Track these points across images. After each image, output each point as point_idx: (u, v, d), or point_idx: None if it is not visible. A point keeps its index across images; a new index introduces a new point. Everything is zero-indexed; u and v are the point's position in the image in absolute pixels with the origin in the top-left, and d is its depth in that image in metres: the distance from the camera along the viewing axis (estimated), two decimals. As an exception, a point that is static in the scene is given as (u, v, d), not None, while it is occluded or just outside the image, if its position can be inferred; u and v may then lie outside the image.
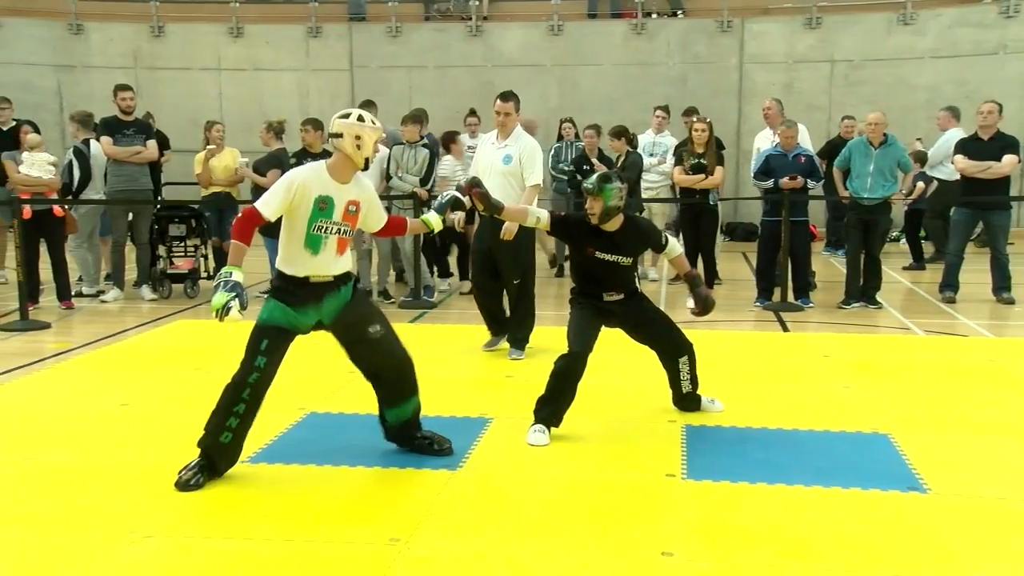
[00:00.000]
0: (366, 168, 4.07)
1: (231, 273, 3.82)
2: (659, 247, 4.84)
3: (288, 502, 3.77)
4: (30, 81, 14.89)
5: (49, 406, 5.20)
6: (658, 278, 9.96)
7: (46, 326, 7.56)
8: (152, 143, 8.87)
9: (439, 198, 4.57)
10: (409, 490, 3.95)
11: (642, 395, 5.16)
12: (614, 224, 4.61)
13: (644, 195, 9.55)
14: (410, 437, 4.33)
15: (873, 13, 14.43)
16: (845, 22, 14.50)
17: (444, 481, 4.03)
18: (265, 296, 4.22)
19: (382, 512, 3.70)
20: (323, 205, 3.93)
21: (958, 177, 9.09)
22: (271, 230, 4.10)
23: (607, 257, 4.63)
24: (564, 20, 15.02)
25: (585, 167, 8.84)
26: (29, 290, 7.79)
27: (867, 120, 8.50)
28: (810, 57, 14.47)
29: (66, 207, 8.45)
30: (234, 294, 3.76)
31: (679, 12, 15.13)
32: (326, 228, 3.96)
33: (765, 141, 9.56)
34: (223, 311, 3.74)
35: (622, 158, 8.97)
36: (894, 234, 11.70)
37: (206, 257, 9.28)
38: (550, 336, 6.11)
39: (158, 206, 9.24)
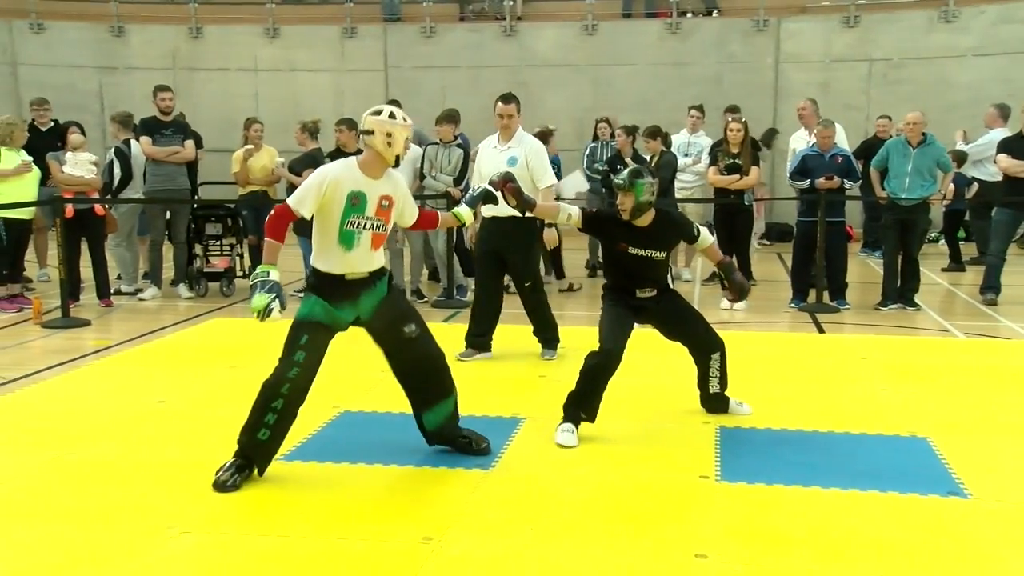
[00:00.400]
0: (397, 165, 4.07)
1: (268, 272, 3.83)
2: (691, 238, 4.80)
3: (322, 500, 3.79)
4: (73, 83, 15.16)
5: (89, 402, 5.28)
6: (692, 279, 9.90)
7: (86, 323, 7.68)
8: (190, 143, 8.98)
9: (470, 191, 4.58)
10: (442, 489, 3.96)
11: (675, 396, 5.13)
12: (646, 219, 4.59)
13: (678, 195, 9.50)
14: (451, 437, 4.33)
15: (913, 11, 14.22)
16: (884, 20, 14.31)
17: (477, 480, 4.03)
18: (301, 295, 4.25)
19: (415, 511, 3.71)
20: (355, 201, 3.94)
21: (999, 178, 8.94)
22: (305, 228, 4.12)
23: (640, 252, 4.61)
24: (598, 20, 14.98)
25: (619, 167, 8.81)
26: (70, 288, 7.92)
27: (906, 119, 8.39)
28: (848, 56, 14.29)
29: (107, 206, 8.58)
30: (274, 295, 3.78)
31: (714, 12, 15.02)
32: (359, 224, 3.97)
33: (800, 141, 9.48)
34: (265, 312, 3.76)
35: (656, 158, 8.93)
36: (933, 235, 11.54)
37: (241, 256, 9.37)
38: (583, 336, 6.08)
39: (195, 205, 9.35)
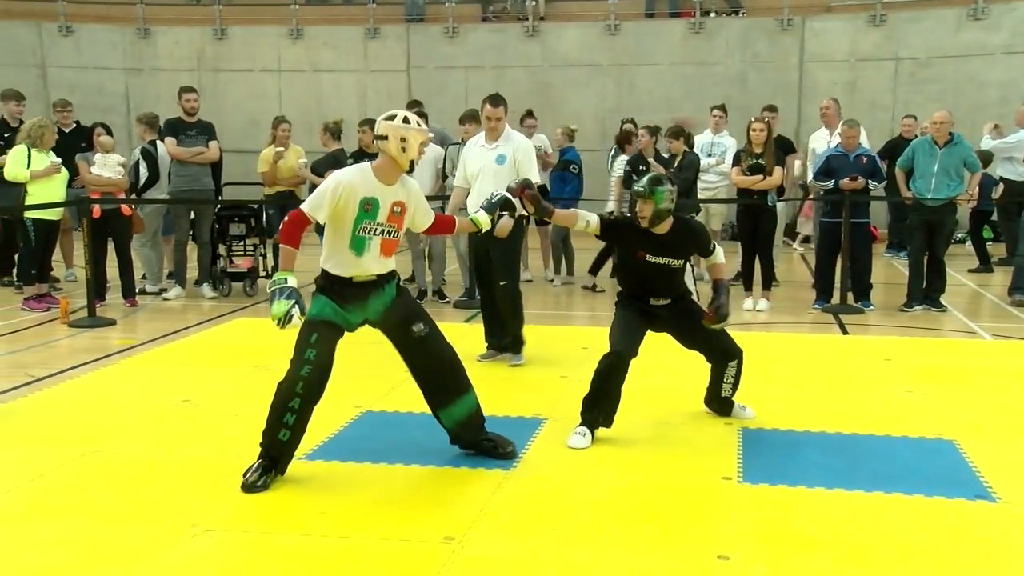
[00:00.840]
0: (411, 171, 4.06)
1: (286, 279, 3.84)
2: (706, 251, 4.75)
3: (344, 499, 3.81)
4: (101, 84, 15.36)
5: (114, 401, 5.33)
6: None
7: (112, 323, 7.75)
8: (214, 144, 9.04)
9: (489, 197, 4.56)
10: (464, 489, 3.97)
11: (697, 397, 5.10)
12: (664, 227, 4.56)
13: (701, 195, 9.45)
14: (474, 439, 4.31)
15: (942, 8, 14.07)
16: (912, 19, 14.17)
17: (498, 481, 4.03)
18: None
19: (437, 511, 3.72)
20: (368, 207, 3.94)
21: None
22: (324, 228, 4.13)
23: (657, 260, 4.58)
24: (621, 20, 14.94)
25: (641, 167, 8.77)
26: (96, 288, 8.00)
27: (932, 119, 8.31)
28: (874, 55, 14.17)
29: (133, 207, 8.66)
30: (293, 301, 3.78)
31: (740, 12, 14.94)
32: (371, 229, 3.97)
33: (821, 141, 9.42)
34: (285, 319, 3.77)
35: (679, 158, 8.89)
36: (959, 235, 11.41)
37: (264, 256, 9.42)
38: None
39: (219, 205, 9.42)
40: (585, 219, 4.68)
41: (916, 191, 8.19)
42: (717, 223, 9.74)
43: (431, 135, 8.65)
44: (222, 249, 9.27)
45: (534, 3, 15.10)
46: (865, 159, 8.24)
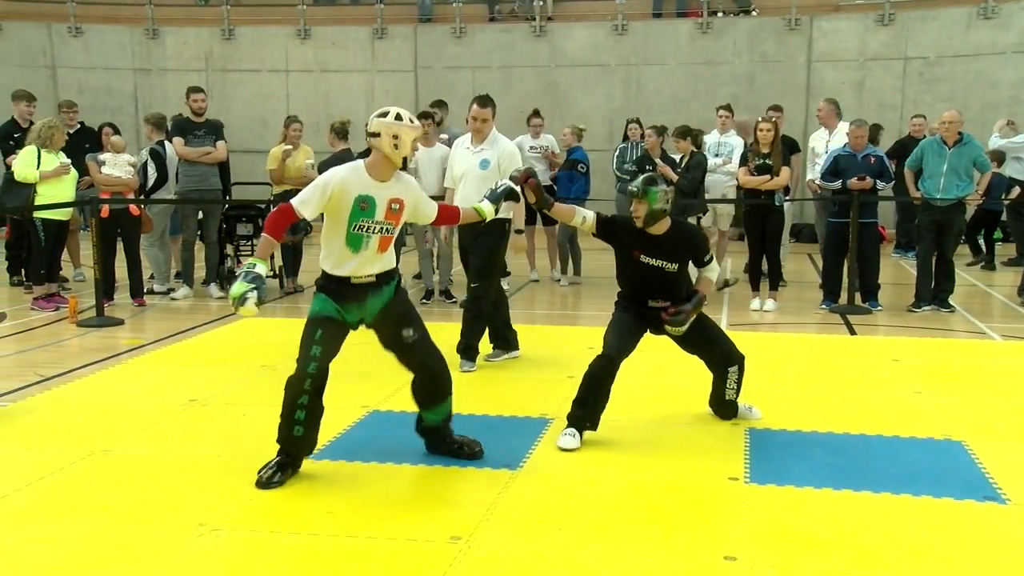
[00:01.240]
0: (405, 167, 4.06)
1: (255, 265, 3.86)
2: (700, 260, 4.66)
3: (351, 499, 3.81)
4: (111, 85, 15.41)
5: (123, 400, 5.35)
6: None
7: (120, 322, 7.78)
8: (222, 144, 9.06)
9: (493, 188, 4.56)
10: (470, 489, 3.97)
11: (704, 397, 5.08)
12: (660, 228, 4.54)
13: (709, 195, 9.42)
14: (441, 442, 4.33)
15: (951, 7, 14.00)
16: (921, 18, 14.12)
17: (505, 481, 4.03)
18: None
19: (443, 510, 3.72)
20: (364, 205, 3.94)
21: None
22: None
23: (652, 261, 4.55)
24: (629, 19, 14.92)
25: (648, 167, 8.76)
26: (105, 288, 8.03)
27: (942, 119, 8.28)
28: (883, 55, 14.12)
29: (142, 206, 8.69)
30: (253, 286, 3.79)
31: (753, 11, 14.89)
32: (368, 227, 3.97)
33: (820, 141, 9.41)
34: (239, 301, 3.78)
35: (686, 158, 8.88)
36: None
37: (272, 256, 9.43)
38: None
39: (227, 205, 9.44)
40: (582, 215, 4.65)
41: (925, 191, 8.16)
42: (725, 223, 9.72)
43: (444, 135, 8.68)
44: (229, 249, 9.28)
45: (541, 3, 15.08)
46: (873, 159, 8.21)
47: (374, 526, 3.56)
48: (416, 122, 4.06)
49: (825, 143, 9.15)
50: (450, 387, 4.28)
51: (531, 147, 9.62)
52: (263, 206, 9.55)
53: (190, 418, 4.98)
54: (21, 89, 10.06)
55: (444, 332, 5.29)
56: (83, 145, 9.18)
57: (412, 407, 4.98)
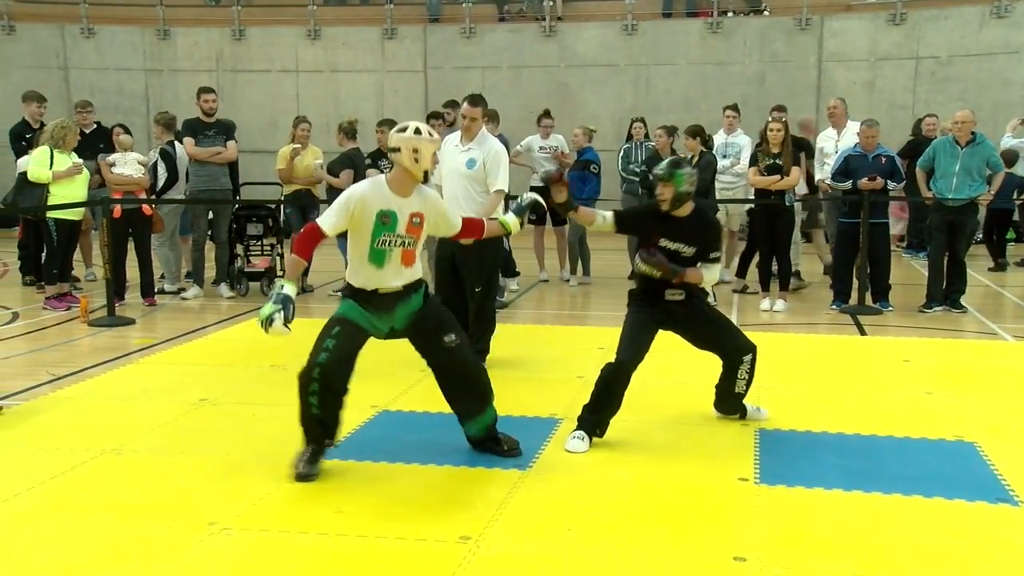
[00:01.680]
0: (426, 180, 4.08)
1: (283, 287, 3.91)
2: (706, 254, 4.60)
3: (360, 499, 3.82)
4: (122, 85, 15.49)
5: (134, 399, 5.37)
6: (731, 280, 9.79)
7: (131, 322, 7.81)
8: (232, 144, 9.08)
9: (519, 200, 4.56)
10: (480, 489, 3.97)
11: (712, 398, 5.08)
12: (684, 210, 4.56)
13: (719, 196, 9.40)
14: (489, 440, 4.35)
15: (964, 6, 13.94)
16: (933, 17, 14.06)
17: (514, 481, 4.03)
18: (339, 294, 4.29)
19: (453, 510, 3.72)
20: (385, 219, 3.98)
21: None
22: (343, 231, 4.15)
23: (671, 245, 4.55)
24: (639, 19, 14.91)
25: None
26: (116, 287, 8.07)
27: (954, 118, 8.24)
28: (894, 54, 14.07)
29: (153, 206, 8.72)
30: (280, 307, 3.82)
31: (764, 10, 14.85)
32: (390, 241, 4.01)
33: (828, 141, 9.38)
34: (267, 322, 3.82)
35: (696, 158, 8.85)
36: (979, 236, 11.31)
37: (282, 256, 9.46)
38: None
39: (236, 205, 9.47)
40: (601, 216, 4.70)
41: (937, 191, 8.12)
42: (736, 223, 9.69)
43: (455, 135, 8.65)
44: (239, 249, 9.31)
45: (551, 3, 15.08)
46: (884, 159, 8.18)
47: (384, 526, 3.56)
48: (435, 135, 4.08)
49: (834, 143, 9.13)
50: (491, 392, 4.30)
51: (541, 147, 9.60)
52: (273, 206, 9.58)
53: (200, 418, 5.00)
54: (32, 90, 10.12)
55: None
56: (99, 145, 9.23)
57: (421, 407, 5.01)
